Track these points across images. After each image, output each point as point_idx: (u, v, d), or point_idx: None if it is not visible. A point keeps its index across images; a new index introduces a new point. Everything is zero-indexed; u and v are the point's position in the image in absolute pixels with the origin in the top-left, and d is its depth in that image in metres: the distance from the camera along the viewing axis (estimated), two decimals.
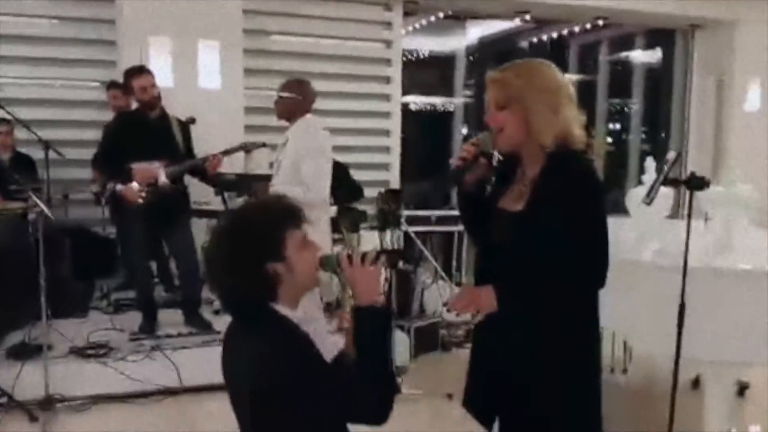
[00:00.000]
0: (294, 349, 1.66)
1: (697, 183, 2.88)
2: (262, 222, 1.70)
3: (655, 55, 8.91)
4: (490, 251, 2.17)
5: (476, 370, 2.25)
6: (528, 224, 1.99)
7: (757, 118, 7.47)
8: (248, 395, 1.67)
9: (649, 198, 3.04)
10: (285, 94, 4.01)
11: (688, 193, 2.89)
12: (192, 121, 4.80)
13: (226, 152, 4.47)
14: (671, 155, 3.03)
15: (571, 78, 2.25)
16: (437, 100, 9.16)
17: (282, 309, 1.71)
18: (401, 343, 4.68)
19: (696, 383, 4.11)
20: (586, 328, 2.09)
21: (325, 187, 3.95)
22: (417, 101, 9.06)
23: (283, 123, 4.10)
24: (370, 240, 5.09)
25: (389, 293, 4.44)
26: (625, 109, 9.50)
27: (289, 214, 1.74)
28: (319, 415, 1.63)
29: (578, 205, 1.95)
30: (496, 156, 2.33)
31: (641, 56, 9.04)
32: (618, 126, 9.91)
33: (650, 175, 4.00)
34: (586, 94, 8.50)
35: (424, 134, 9.26)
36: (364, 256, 1.78)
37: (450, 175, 2.24)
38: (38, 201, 3.68)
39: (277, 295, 1.70)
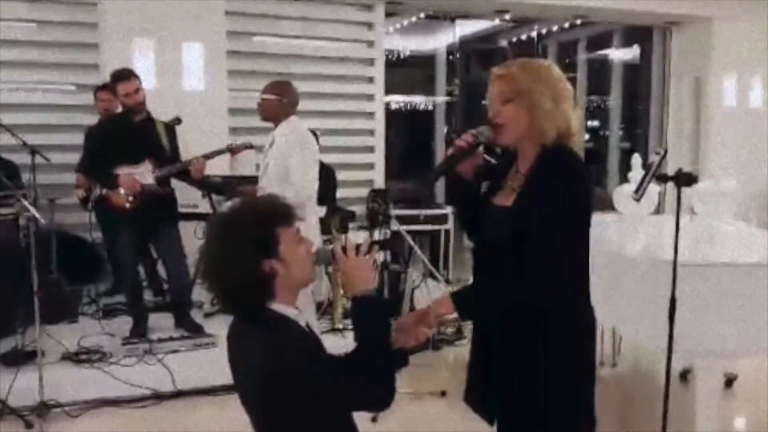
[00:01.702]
0: (296, 343, 1.69)
1: (686, 179, 2.94)
2: (255, 220, 1.71)
3: (632, 53, 9.03)
4: (484, 247, 2.19)
5: (474, 365, 2.26)
6: (516, 219, 2.01)
7: (735, 114, 7.60)
8: (256, 392, 1.70)
9: (639, 194, 3.11)
10: (266, 96, 4.01)
11: (675, 189, 2.95)
12: (178, 121, 4.79)
13: (209, 155, 4.44)
14: (659, 152, 3.09)
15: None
16: (419, 99, 9.20)
17: (279, 307, 1.73)
18: None
19: (684, 376, 4.18)
20: (576, 324, 2.09)
21: (312, 185, 3.96)
22: (398, 101, 9.09)
23: (268, 124, 4.10)
24: (359, 240, 5.09)
25: (381, 289, 4.46)
26: (602, 105, 9.61)
27: (281, 212, 1.76)
28: (326, 406, 1.65)
29: (556, 203, 1.96)
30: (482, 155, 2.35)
31: (619, 54, 9.15)
32: (596, 123, 10.03)
33: (636, 172, 4.08)
34: None
35: (405, 133, 9.30)
36: (358, 246, 1.83)
37: (442, 163, 2.21)
38: (28, 206, 3.65)
39: (275, 292, 1.72)
